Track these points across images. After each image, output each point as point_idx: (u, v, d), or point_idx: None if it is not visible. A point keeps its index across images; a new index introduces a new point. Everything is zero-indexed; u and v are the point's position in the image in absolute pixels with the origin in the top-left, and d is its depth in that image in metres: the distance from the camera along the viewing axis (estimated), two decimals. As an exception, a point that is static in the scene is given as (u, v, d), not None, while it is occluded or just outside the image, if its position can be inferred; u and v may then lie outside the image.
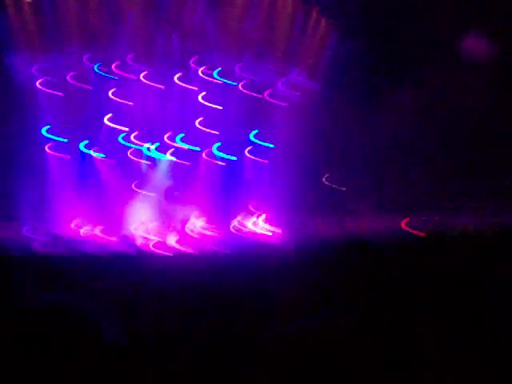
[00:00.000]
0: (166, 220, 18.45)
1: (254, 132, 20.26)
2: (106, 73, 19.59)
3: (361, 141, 21.00)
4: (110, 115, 19.49)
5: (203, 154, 20.06)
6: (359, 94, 20.39)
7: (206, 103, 20.10)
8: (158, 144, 19.82)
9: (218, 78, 20.15)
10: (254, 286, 4.33)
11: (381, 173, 21.06)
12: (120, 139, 19.63)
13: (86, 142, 19.37)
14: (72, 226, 17.57)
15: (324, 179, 20.81)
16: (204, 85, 20.22)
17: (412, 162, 21.10)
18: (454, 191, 20.46)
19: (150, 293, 4.46)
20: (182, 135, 19.84)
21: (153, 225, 17.89)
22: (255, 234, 17.01)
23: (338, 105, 20.16)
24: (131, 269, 6.27)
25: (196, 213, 17.84)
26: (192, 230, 17.25)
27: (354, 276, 3.60)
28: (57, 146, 19.16)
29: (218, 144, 20.08)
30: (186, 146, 19.92)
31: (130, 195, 19.23)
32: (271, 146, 20.01)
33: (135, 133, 19.59)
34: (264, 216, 17.68)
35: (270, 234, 16.70)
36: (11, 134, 18.49)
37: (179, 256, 6.83)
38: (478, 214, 18.66)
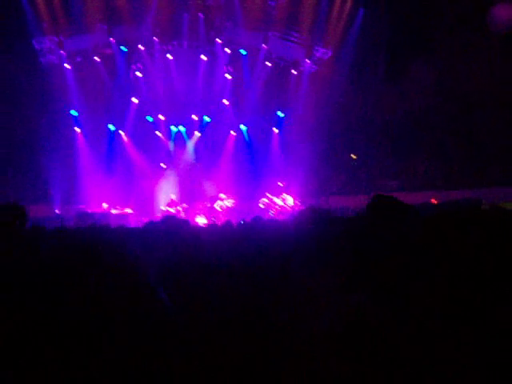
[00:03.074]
0: (194, 196, 18.44)
1: (281, 109, 20.12)
2: (131, 52, 19.62)
3: (389, 118, 20.68)
4: (136, 95, 19.55)
5: (230, 132, 20.00)
6: (383, 71, 20.11)
7: (231, 80, 20.05)
8: (183, 122, 19.81)
9: (244, 54, 20.00)
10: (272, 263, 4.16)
11: (412, 150, 20.70)
12: (147, 118, 19.69)
13: (113, 122, 19.46)
14: (102, 204, 17.66)
15: (351, 156, 20.61)
16: (230, 62, 20.12)
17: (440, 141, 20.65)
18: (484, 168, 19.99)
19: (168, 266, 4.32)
20: (207, 113, 19.82)
21: (180, 201, 17.88)
22: (281, 210, 16.83)
23: (361, 80, 19.92)
24: (160, 243, 6.17)
25: (222, 189, 17.76)
26: (219, 206, 17.17)
27: (380, 257, 3.37)
28: (84, 127, 19.30)
29: (245, 121, 20.00)
30: (211, 124, 19.89)
31: (158, 173, 19.30)
32: (296, 122, 19.82)
33: (161, 112, 19.61)
34: (288, 193, 17.47)
35: (294, 210, 16.47)
36: (40, 115, 18.62)
37: (206, 230, 6.72)
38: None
